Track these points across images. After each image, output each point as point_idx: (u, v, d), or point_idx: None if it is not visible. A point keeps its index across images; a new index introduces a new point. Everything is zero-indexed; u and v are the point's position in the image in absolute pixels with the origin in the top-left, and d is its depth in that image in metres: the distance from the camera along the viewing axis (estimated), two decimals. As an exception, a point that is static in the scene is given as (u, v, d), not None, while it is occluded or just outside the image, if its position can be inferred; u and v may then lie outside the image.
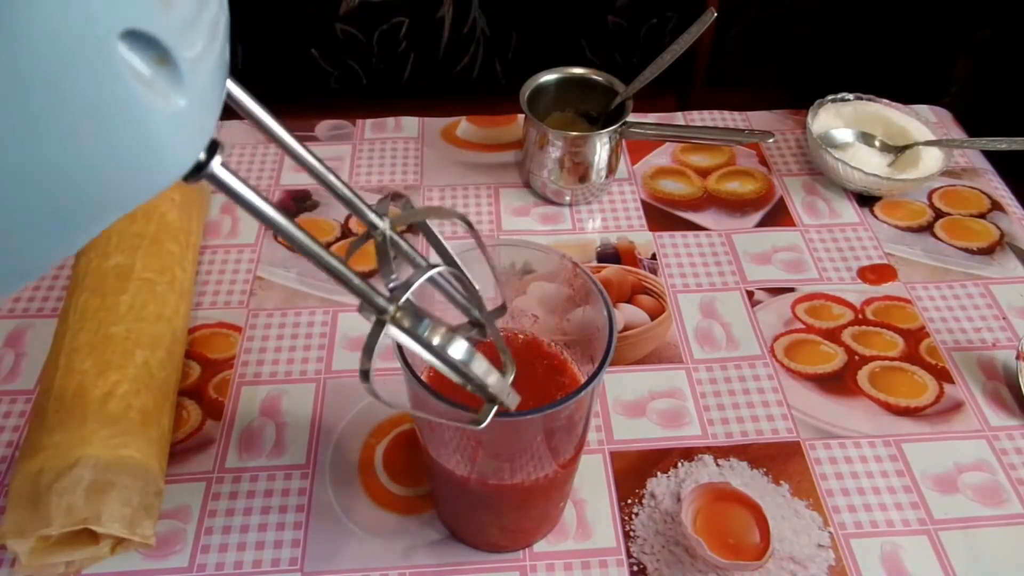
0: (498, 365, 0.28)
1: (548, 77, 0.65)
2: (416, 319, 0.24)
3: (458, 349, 0.24)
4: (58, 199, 0.15)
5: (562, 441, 0.37)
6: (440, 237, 0.29)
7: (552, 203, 0.65)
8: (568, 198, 0.65)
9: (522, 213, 0.64)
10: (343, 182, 0.25)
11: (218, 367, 0.52)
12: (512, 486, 0.39)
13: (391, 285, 0.27)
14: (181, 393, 0.50)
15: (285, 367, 0.52)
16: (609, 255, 0.61)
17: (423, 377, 0.34)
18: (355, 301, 0.24)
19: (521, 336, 0.43)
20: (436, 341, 0.24)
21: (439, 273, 0.26)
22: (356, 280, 0.23)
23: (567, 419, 0.36)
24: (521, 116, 0.68)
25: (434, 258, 0.29)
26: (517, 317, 0.42)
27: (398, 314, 0.23)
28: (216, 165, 0.18)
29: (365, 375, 0.24)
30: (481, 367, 0.25)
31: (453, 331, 0.24)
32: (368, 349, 0.23)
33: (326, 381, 0.52)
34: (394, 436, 0.49)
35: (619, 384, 0.52)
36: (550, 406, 0.32)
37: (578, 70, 0.65)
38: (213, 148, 0.18)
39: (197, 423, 0.49)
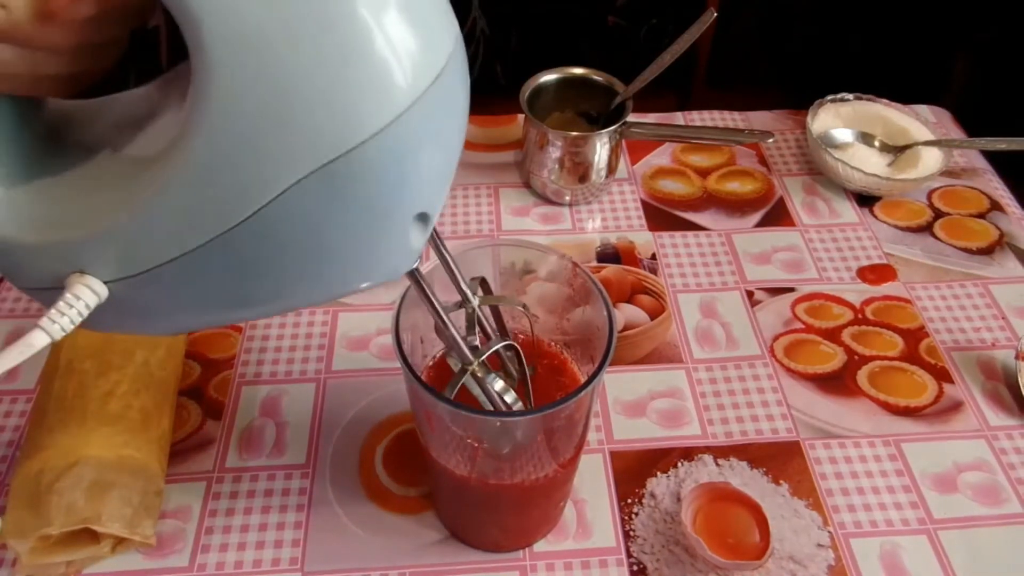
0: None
1: (548, 77, 0.65)
2: (486, 370, 0.33)
3: (510, 396, 0.33)
4: (343, 277, 0.26)
5: (562, 441, 0.37)
6: (503, 317, 0.39)
7: (552, 203, 0.65)
8: (568, 198, 0.65)
9: (522, 213, 0.64)
10: (454, 261, 0.34)
11: (218, 367, 0.52)
12: (512, 486, 0.39)
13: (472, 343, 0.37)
14: (181, 393, 0.50)
15: (285, 367, 0.52)
16: (609, 255, 0.61)
17: (422, 376, 0.34)
18: (355, 302, 0.32)
19: (521, 336, 0.43)
20: (497, 388, 0.33)
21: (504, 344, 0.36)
22: (462, 343, 0.32)
23: (567, 419, 0.36)
24: (521, 116, 0.68)
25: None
26: (517, 317, 0.42)
27: (476, 366, 0.33)
28: (417, 266, 0.29)
29: (450, 401, 0.32)
30: (517, 405, 0.34)
31: (506, 382, 0.34)
32: (452, 385, 0.33)
33: (326, 381, 0.52)
34: (394, 436, 0.49)
35: (619, 384, 0.52)
36: (550, 406, 0.33)
37: (578, 70, 0.65)
38: None
39: (197, 423, 0.49)
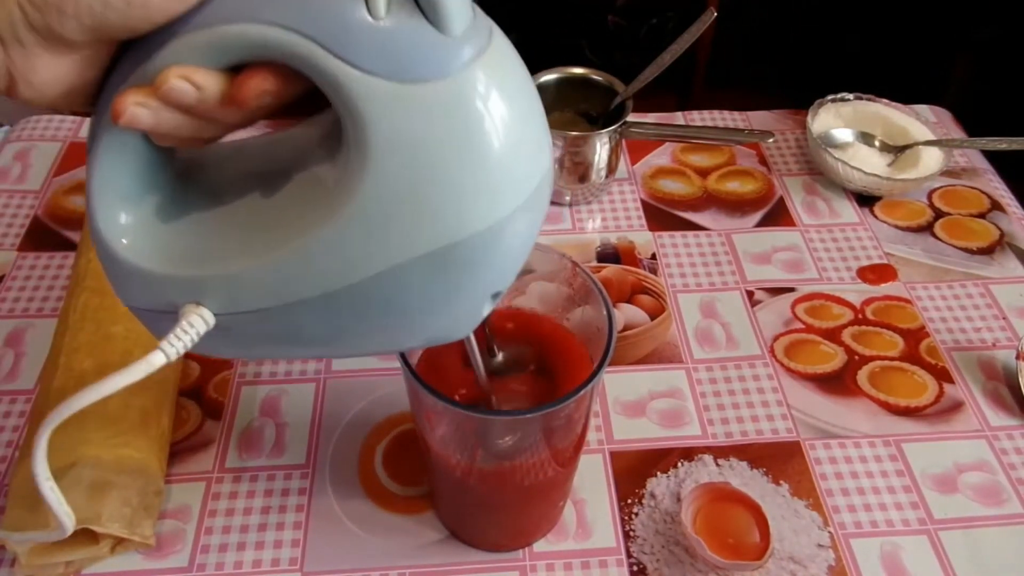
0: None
1: (548, 77, 0.65)
2: None
3: None
4: (418, 334, 0.29)
5: (562, 440, 0.37)
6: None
7: (552, 203, 0.65)
8: (568, 198, 0.65)
9: (522, 213, 0.64)
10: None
11: (218, 367, 0.52)
12: (512, 485, 0.39)
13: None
14: (181, 393, 0.50)
15: (285, 367, 0.52)
16: (609, 255, 0.61)
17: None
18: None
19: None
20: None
21: None
22: (486, 391, 0.36)
23: (566, 418, 0.36)
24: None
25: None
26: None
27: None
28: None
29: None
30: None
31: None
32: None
33: (326, 381, 0.52)
34: (394, 436, 0.49)
35: (619, 384, 0.52)
36: (550, 405, 0.32)
37: (578, 70, 0.65)
38: None
39: (197, 423, 0.49)
